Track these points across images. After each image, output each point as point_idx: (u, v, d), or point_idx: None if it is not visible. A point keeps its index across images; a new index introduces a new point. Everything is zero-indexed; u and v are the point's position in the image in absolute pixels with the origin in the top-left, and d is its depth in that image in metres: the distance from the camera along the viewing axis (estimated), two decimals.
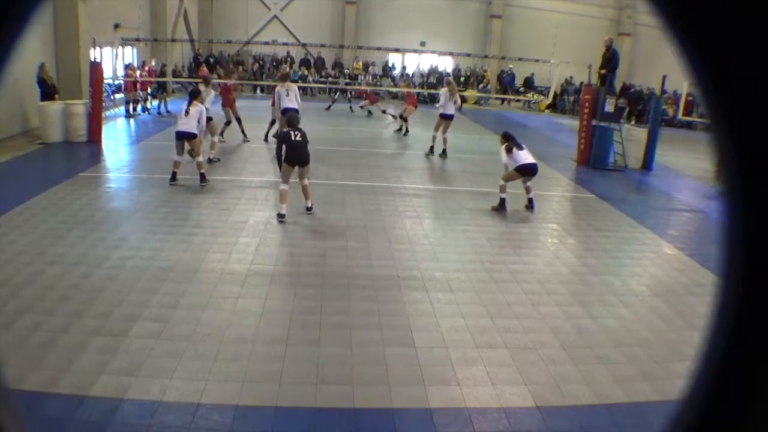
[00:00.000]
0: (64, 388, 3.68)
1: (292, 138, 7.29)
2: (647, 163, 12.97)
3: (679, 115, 19.19)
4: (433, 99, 23.44)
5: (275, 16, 25.64)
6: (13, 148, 10.85)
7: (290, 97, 11.05)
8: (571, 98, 23.98)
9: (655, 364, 4.47)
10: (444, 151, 12.43)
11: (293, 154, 7.32)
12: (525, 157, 8.47)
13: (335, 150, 12.36)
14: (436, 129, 12.47)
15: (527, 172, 8.51)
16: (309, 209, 7.71)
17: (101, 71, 12.50)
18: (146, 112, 16.77)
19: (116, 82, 16.90)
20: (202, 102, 9.23)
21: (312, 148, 7.79)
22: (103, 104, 13.19)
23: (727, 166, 0.34)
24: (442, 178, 10.69)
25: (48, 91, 12.19)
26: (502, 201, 8.52)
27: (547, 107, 24.18)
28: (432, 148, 12.53)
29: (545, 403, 3.87)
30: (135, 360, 4.05)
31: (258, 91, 23.35)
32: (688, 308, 5.53)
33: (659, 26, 0.33)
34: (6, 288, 5.02)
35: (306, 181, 7.58)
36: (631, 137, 13.30)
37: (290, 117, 7.79)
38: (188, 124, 8.84)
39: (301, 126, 7.63)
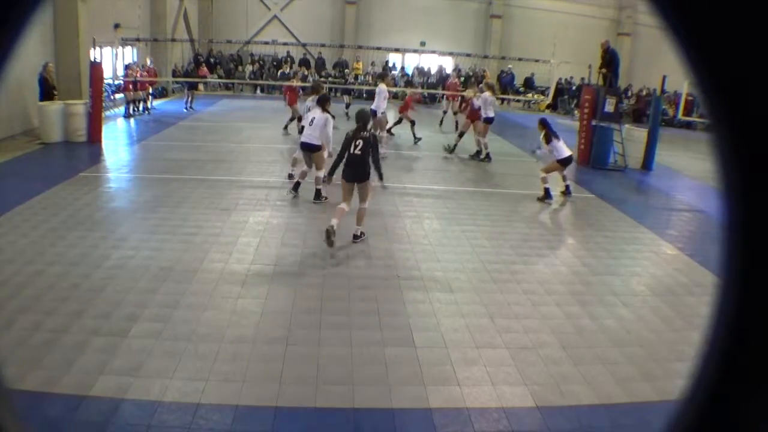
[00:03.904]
0: (64, 388, 3.68)
1: (351, 150, 6.41)
2: (647, 163, 12.98)
3: (679, 115, 19.20)
4: (433, 99, 23.48)
5: (275, 16, 25.65)
6: (13, 148, 10.85)
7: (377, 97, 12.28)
8: (567, 98, 24.00)
9: (655, 364, 4.47)
10: (478, 152, 12.63)
11: (348, 170, 6.47)
12: (565, 149, 9.12)
13: (334, 150, 12.36)
14: (484, 134, 12.40)
15: (567, 163, 9.24)
16: (356, 237, 6.59)
17: (101, 71, 12.50)
18: (147, 112, 16.77)
19: (116, 82, 16.91)
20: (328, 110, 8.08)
21: None
22: (103, 104, 13.20)
23: (727, 166, 0.34)
24: (442, 178, 10.69)
25: (48, 91, 12.18)
26: (547, 191, 9.15)
27: (547, 107, 24.18)
28: (484, 153, 12.43)
29: (545, 403, 3.87)
30: (135, 360, 4.05)
31: (258, 91, 23.36)
32: (688, 308, 5.52)
33: (659, 26, 0.33)
34: (6, 288, 5.02)
35: (365, 204, 6.57)
36: (631, 137, 13.30)
37: (359, 113, 6.69)
38: (312, 135, 7.96)
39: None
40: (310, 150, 8.10)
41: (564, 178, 9.48)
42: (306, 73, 23.90)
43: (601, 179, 11.53)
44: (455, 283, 5.77)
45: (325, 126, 7.85)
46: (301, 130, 9.58)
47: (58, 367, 3.89)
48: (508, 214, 8.50)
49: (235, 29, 24.72)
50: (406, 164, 11.68)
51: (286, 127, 14.17)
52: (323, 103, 8.03)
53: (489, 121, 12.29)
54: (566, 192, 9.52)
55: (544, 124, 9.28)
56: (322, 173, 7.96)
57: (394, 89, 19.83)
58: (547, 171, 9.23)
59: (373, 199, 8.71)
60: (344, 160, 6.48)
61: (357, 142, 6.42)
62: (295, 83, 15.63)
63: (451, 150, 12.93)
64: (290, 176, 9.23)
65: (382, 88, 12.44)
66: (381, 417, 3.64)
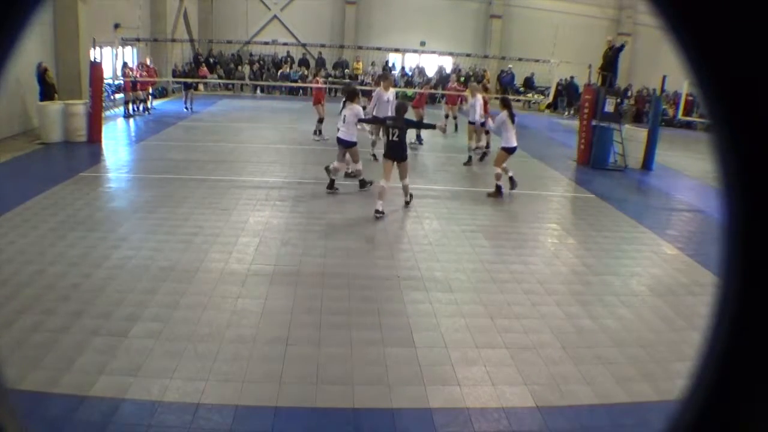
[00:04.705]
0: (64, 388, 3.68)
1: (390, 137, 7.99)
2: (647, 163, 12.97)
3: (679, 115, 19.19)
4: (433, 100, 23.46)
5: (275, 16, 25.64)
6: (13, 148, 10.85)
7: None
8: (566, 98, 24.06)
9: (655, 364, 4.47)
10: (470, 158, 12.07)
11: (389, 151, 8.02)
12: (514, 139, 9.28)
13: (335, 149, 12.35)
14: (479, 138, 12.24)
15: (512, 152, 9.37)
16: (407, 203, 8.27)
17: (101, 71, 12.50)
18: (147, 112, 16.75)
19: (116, 82, 16.90)
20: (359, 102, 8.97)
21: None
22: (103, 104, 13.19)
23: (727, 166, 0.34)
24: (442, 178, 10.68)
25: (48, 91, 12.18)
26: (499, 188, 9.28)
27: (547, 107, 24.18)
28: (481, 152, 12.26)
29: (545, 403, 3.87)
30: (135, 360, 4.05)
31: (258, 91, 23.35)
32: (688, 308, 5.52)
33: (659, 26, 0.33)
34: (6, 288, 5.02)
35: (406, 181, 8.14)
36: (631, 137, 13.30)
37: (398, 107, 8.26)
38: (345, 131, 8.63)
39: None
40: (345, 145, 8.74)
41: (506, 170, 9.38)
42: (306, 73, 23.92)
43: (601, 179, 11.53)
44: (455, 283, 5.77)
45: (356, 117, 8.58)
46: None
47: (58, 367, 3.89)
48: (508, 214, 8.50)
49: (235, 29, 24.71)
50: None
51: (315, 132, 13.51)
52: (351, 97, 8.76)
53: (483, 124, 11.75)
54: (507, 187, 9.49)
55: (506, 104, 9.43)
56: (360, 165, 8.96)
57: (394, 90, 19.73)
58: (500, 164, 9.27)
59: (374, 198, 8.74)
60: (386, 145, 8.10)
61: (395, 131, 7.88)
62: (320, 82, 14.93)
63: (467, 162, 11.99)
64: (331, 184, 9.28)
65: (379, 92, 10.91)
66: (381, 417, 3.64)
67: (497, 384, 4.05)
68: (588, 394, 4.01)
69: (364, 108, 9.06)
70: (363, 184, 9.07)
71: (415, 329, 4.74)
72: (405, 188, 8.24)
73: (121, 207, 7.89)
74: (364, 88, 20.64)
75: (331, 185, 8.83)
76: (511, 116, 9.16)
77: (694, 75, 0.33)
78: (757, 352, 0.33)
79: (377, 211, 7.69)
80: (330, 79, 22.44)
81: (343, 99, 9.11)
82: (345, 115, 8.63)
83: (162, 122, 15.40)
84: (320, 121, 13.43)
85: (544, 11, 25.50)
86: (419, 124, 9.55)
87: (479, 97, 12.02)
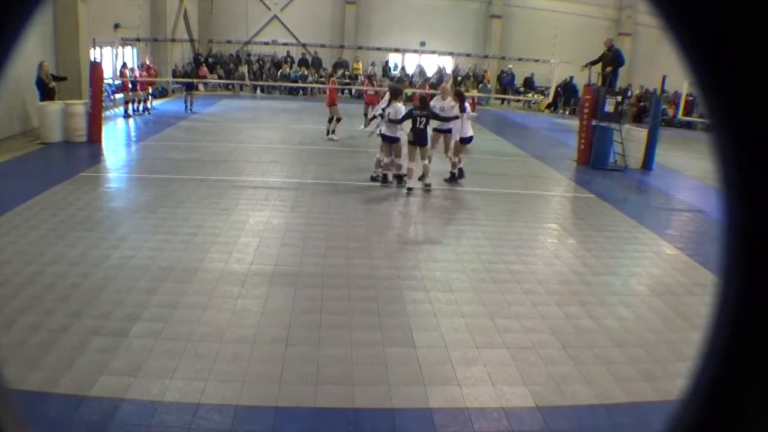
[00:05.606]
0: (64, 388, 3.68)
1: (417, 125, 9.03)
2: (647, 163, 12.97)
3: (679, 115, 19.19)
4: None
5: (275, 16, 25.66)
6: (13, 148, 10.85)
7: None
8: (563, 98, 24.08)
9: (655, 364, 4.47)
10: (453, 174, 10.13)
11: (415, 137, 9.09)
12: (470, 129, 9.90)
13: (334, 150, 12.37)
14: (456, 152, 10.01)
15: (468, 142, 10.00)
16: (427, 185, 9.30)
17: (101, 71, 12.50)
18: (147, 113, 16.75)
19: (116, 82, 16.91)
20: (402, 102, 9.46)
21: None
22: (103, 104, 13.19)
23: (727, 165, 0.34)
24: (441, 178, 10.67)
25: (47, 91, 12.17)
26: (461, 171, 10.05)
27: (547, 107, 24.19)
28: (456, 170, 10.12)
29: (545, 403, 3.87)
30: (135, 360, 4.05)
31: (258, 91, 23.36)
32: (688, 308, 5.52)
33: (659, 26, 0.33)
34: (6, 288, 5.02)
35: (426, 162, 9.21)
36: (631, 137, 13.30)
37: (422, 98, 9.52)
38: (390, 129, 9.25)
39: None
40: (390, 142, 9.36)
41: (460, 161, 10.03)
42: (306, 73, 23.89)
43: (601, 179, 11.53)
44: (455, 283, 5.77)
45: (396, 114, 9.09)
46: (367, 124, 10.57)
47: (58, 367, 3.89)
48: (508, 214, 8.50)
49: (235, 29, 24.72)
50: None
51: (328, 132, 13.29)
52: (395, 96, 9.32)
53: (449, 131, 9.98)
54: (461, 174, 10.08)
55: (461, 96, 9.98)
56: (401, 160, 9.47)
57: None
58: (457, 153, 9.87)
59: (374, 197, 8.74)
60: (412, 131, 9.13)
61: (421, 119, 9.01)
62: (335, 83, 14.57)
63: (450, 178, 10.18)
64: (384, 178, 9.76)
65: (398, 107, 9.16)
66: (381, 417, 3.64)
67: (497, 384, 4.05)
68: (588, 394, 4.01)
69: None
70: (400, 178, 9.59)
71: (415, 329, 4.74)
72: (426, 168, 9.19)
73: (121, 207, 7.88)
74: (361, 87, 20.65)
75: (384, 178, 9.63)
76: (461, 108, 9.67)
77: (694, 75, 0.33)
78: (757, 352, 0.33)
79: (409, 189, 9.01)
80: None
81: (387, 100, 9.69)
82: (388, 113, 9.20)
83: (162, 122, 15.40)
84: (338, 120, 13.38)
85: (544, 11, 25.52)
86: (442, 117, 9.96)
87: (450, 100, 9.85)
